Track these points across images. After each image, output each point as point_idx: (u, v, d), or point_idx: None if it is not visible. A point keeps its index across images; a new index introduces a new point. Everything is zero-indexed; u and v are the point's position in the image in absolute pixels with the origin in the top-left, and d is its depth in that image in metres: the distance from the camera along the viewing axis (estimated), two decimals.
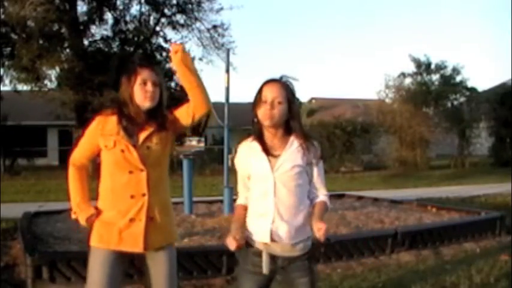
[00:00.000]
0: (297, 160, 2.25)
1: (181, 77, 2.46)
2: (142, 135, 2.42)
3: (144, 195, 2.39)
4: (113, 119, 2.44)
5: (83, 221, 2.43)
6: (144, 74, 2.43)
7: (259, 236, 2.27)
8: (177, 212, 7.15)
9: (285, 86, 2.29)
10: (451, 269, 4.72)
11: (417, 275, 4.55)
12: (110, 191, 2.43)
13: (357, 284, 4.34)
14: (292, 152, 2.26)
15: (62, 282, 4.15)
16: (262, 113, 2.24)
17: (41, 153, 24.72)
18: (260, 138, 2.30)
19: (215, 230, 5.85)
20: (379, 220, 6.62)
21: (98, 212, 2.44)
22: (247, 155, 2.33)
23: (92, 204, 2.48)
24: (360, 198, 9.04)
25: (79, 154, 2.53)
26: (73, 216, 2.47)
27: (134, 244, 2.39)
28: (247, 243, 2.31)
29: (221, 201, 7.37)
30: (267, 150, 2.27)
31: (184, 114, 2.47)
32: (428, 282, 4.29)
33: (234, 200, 8.07)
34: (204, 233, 5.72)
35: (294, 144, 2.28)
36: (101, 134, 2.42)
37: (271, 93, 2.24)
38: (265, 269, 2.26)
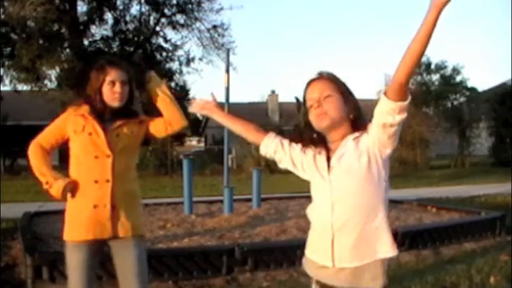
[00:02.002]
0: (353, 153, 1.79)
1: (155, 99, 2.52)
2: (115, 124, 2.45)
3: (108, 181, 2.39)
4: (84, 107, 2.46)
5: (58, 191, 2.38)
6: (112, 75, 2.43)
7: (315, 255, 1.84)
8: (177, 212, 7.15)
9: (329, 79, 1.86)
10: (451, 269, 4.71)
11: (417, 275, 4.54)
12: (75, 177, 2.44)
13: None
14: (346, 147, 1.80)
15: (62, 282, 4.14)
16: (313, 116, 1.81)
17: None
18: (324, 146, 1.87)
19: (215, 230, 5.85)
20: None
21: (74, 183, 2.41)
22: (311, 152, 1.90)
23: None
24: None
25: (43, 138, 2.53)
26: (45, 186, 2.44)
27: (102, 231, 2.39)
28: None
29: (221, 201, 7.37)
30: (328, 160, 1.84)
31: (160, 127, 2.53)
32: (428, 282, 4.28)
33: (234, 200, 8.03)
34: (204, 233, 5.71)
35: (349, 138, 1.82)
36: (71, 120, 2.44)
37: (314, 92, 1.83)
38: None
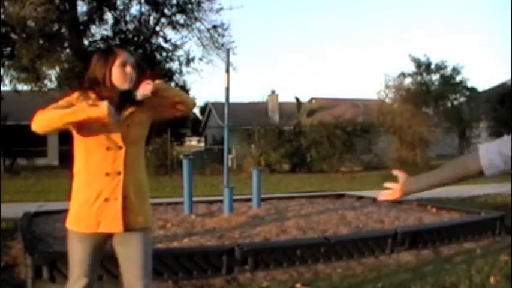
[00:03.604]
0: None
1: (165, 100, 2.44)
2: (124, 113, 2.37)
3: (119, 173, 2.32)
4: (92, 95, 2.35)
5: (105, 107, 2.18)
6: (123, 56, 2.36)
7: None
8: (177, 212, 7.15)
9: None
10: (451, 269, 4.72)
11: (417, 275, 4.55)
12: (84, 169, 2.35)
13: (357, 284, 4.34)
14: None
15: (62, 282, 4.13)
16: None
17: (41, 153, 24.73)
18: None
19: (215, 230, 5.85)
20: (379, 220, 6.62)
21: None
22: None
23: None
24: (360, 198, 9.03)
25: (54, 107, 2.29)
26: (89, 108, 2.19)
27: (113, 225, 2.33)
28: None
29: (221, 201, 7.37)
30: None
31: (168, 107, 2.46)
32: (428, 282, 4.28)
33: (234, 200, 8.03)
34: (204, 233, 5.72)
35: None
36: None
37: None
38: None
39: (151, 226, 2.51)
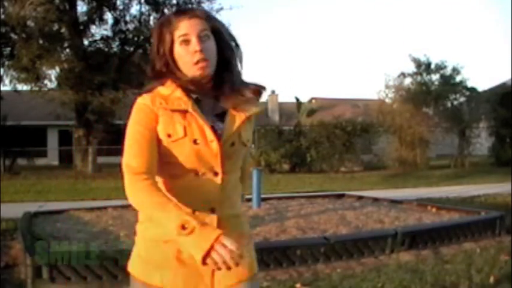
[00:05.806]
0: None
1: None
2: (229, 124, 1.54)
3: (213, 210, 1.54)
4: (177, 90, 1.52)
5: (207, 243, 1.32)
6: (182, 27, 1.50)
7: None
8: None
9: None
10: (451, 269, 4.72)
11: (417, 275, 4.54)
12: None
13: (356, 284, 4.34)
14: None
15: (62, 282, 4.15)
16: None
17: (41, 153, 24.72)
18: None
19: None
20: (379, 220, 6.62)
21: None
22: None
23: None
24: (360, 198, 9.03)
25: (144, 157, 1.47)
26: (182, 233, 1.35)
27: (199, 282, 1.54)
28: None
29: None
30: None
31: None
32: (428, 282, 4.28)
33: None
34: None
35: None
36: (159, 115, 1.49)
37: None
38: None
39: (256, 273, 1.67)
